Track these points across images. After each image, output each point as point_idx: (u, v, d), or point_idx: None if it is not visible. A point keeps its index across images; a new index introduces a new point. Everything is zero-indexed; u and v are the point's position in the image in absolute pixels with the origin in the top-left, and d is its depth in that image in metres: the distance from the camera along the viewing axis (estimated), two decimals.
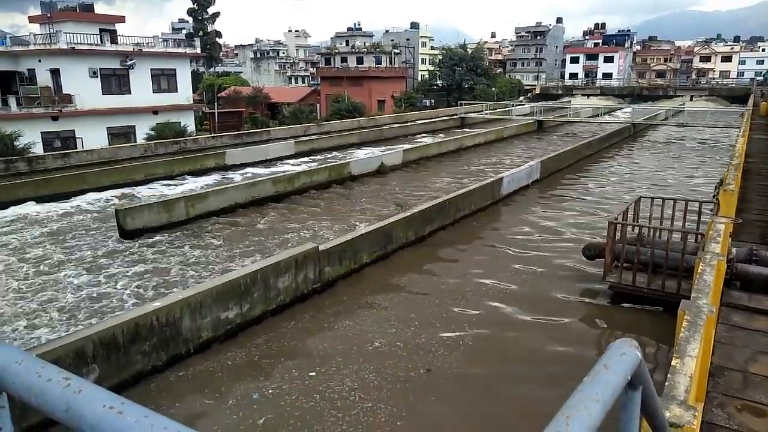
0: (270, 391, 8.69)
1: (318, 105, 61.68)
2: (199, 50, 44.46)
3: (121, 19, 39.33)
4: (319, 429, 7.80)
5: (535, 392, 8.61)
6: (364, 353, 9.80)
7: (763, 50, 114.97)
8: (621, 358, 0.97)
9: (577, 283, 12.96)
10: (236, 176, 27.39)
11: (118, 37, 37.17)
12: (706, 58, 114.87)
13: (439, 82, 73.13)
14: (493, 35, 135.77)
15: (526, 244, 16.19)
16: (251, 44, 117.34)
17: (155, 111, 36.99)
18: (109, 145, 32.94)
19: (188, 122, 39.32)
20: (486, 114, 50.66)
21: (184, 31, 72.57)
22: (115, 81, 35.94)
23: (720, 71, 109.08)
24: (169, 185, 25.44)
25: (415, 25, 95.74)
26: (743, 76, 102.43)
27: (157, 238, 16.81)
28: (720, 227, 7.80)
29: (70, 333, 9.24)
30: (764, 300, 8.60)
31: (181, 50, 40.79)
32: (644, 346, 10.29)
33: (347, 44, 74.66)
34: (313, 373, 9.13)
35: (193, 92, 44.92)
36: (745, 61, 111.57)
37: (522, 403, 8.48)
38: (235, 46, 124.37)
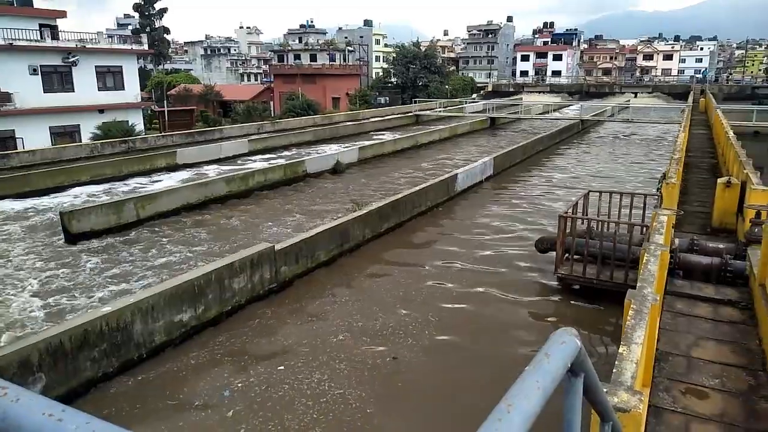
0: (239, 385, 8.73)
1: (272, 103, 60.90)
2: (146, 47, 43.16)
3: (63, 14, 37.73)
4: (290, 417, 7.95)
5: (488, 375, 8.96)
6: (330, 345, 9.98)
7: (702, 49, 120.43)
8: (561, 347, 1.00)
9: (530, 275, 13.29)
10: (188, 176, 26.77)
11: (60, 33, 35.66)
12: (649, 57, 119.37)
13: (393, 79, 73.38)
14: (445, 33, 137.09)
15: (481, 239, 16.47)
16: (201, 41, 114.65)
17: (101, 110, 35.74)
18: (53, 145, 31.63)
19: (137, 121, 38.15)
20: (440, 111, 51.19)
21: (130, 27, 70.42)
22: (57, 78, 34.49)
23: (662, 69, 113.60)
24: (117, 186, 24.62)
25: (368, 23, 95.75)
26: (684, 74, 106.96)
27: (104, 241, 16.27)
28: (663, 219, 8.12)
29: (13, 342, 8.84)
30: (705, 287, 9.03)
31: (127, 47, 39.50)
32: (594, 335, 10.64)
33: (300, 41, 74.02)
34: (282, 367, 9.21)
35: (142, 90, 43.60)
36: (685, 59, 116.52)
37: (478, 385, 8.72)
38: (185, 42, 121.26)
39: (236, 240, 16.25)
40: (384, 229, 16.50)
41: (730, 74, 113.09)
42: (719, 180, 12.28)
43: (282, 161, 27.44)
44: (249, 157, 32.37)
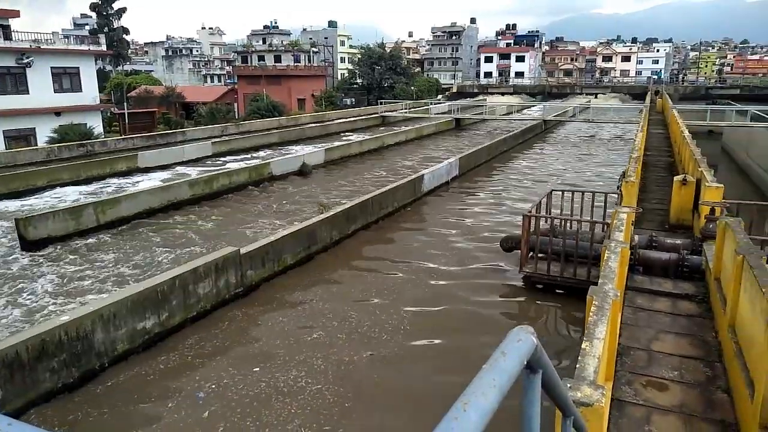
0: (212, 387, 8.71)
1: (236, 104, 60.12)
2: (104, 47, 42.06)
3: (16, 13, 36.42)
4: (267, 413, 8.03)
5: (458, 370, 9.02)
6: (306, 344, 10.05)
7: (658, 51, 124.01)
8: (517, 345, 1.02)
9: (496, 274, 13.46)
10: (150, 179, 26.20)
11: (13, 33, 34.44)
12: (608, 58, 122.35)
13: (359, 80, 73.35)
14: (410, 35, 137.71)
15: (448, 238, 16.60)
16: (162, 41, 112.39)
17: (58, 112, 34.65)
18: (6, 149, 30.53)
19: (95, 124, 37.11)
20: (406, 112, 51.39)
21: (87, 27, 68.51)
22: (11, 80, 33.28)
23: (621, 70, 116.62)
24: (76, 190, 23.91)
25: (333, 24, 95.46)
26: (641, 75, 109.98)
27: (63, 247, 15.78)
28: (623, 216, 8.32)
29: None
30: (663, 282, 9.30)
31: (84, 47, 38.40)
32: (559, 331, 10.85)
33: (264, 42, 73.12)
34: (257, 368, 9.24)
35: (100, 92, 42.41)
36: (642, 61, 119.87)
37: (450, 381, 8.77)
38: (145, 43, 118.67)
39: (201, 244, 15.98)
40: (352, 230, 16.47)
41: (685, 75, 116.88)
42: (675, 178, 12.67)
43: (247, 163, 27.12)
44: (213, 160, 31.88)
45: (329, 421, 7.96)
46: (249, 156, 33.45)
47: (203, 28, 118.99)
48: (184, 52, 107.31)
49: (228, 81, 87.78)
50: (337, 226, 15.72)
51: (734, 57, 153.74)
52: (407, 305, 11.77)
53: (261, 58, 67.17)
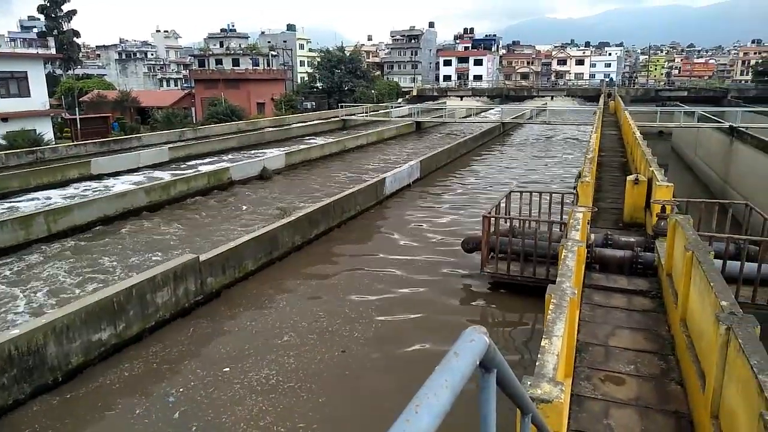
0: (181, 390, 8.69)
1: (193, 109, 58.97)
2: (54, 51, 40.67)
3: None
4: (240, 410, 8.13)
5: (424, 367, 9.10)
6: (276, 345, 10.13)
7: (610, 54, 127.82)
8: (470, 345, 1.03)
9: (458, 275, 13.61)
10: (104, 186, 25.44)
11: None
12: (562, 62, 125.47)
13: (319, 84, 73.00)
14: (369, 38, 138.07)
15: (410, 240, 16.69)
16: (115, 45, 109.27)
17: (5, 118, 33.27)
18: None
19: (45, 130, 35.82)
20: (367, 116, 51.43)
21: (35, 30, 66.05)
22: None
23: (575, 73, 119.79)
24: (25, 199, 23.01)
25: (291, 27, 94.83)
26: (595, 77, 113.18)
27: (11, 259, 15.15)
28: (579, 216, 8.51)
29: None
30: (619, 279, 9.57)
31: (32, 51, 37.01)
32: (520, 330, 11.03)
33: (222, 46, 72.06)
34: (227, 369, 9.28)
35: (51, 97, 40.98)
36: (595, 64, 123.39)
37: (419, 376, 8.86)
38: (97, 46, 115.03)
39: (158, 252, 15.60)
40: (314, 234, 16.37)
41: (636, 78, 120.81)
42: (628, 178, 13.07)
43: (205, 168, 26.64)
44: (170, 166, 31.19)
45: (303, 417, 8.10)
46: (208, 161, 32.86)
47: (158, 31, 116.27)
48: (138, 55, 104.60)
49: (185, 85, 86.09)
50: (300, 230, 15.60)
51: (681, 60, 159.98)
52: (375, 305, 11.92)
53: (219, 62, 66.15)
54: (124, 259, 15.16)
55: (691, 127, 33.93)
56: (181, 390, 8.72)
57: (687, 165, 35.09)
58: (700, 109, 34.91)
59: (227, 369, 9.30)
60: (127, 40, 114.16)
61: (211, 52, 68.58)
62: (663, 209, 10.44)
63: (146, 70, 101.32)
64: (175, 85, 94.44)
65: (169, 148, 33.55)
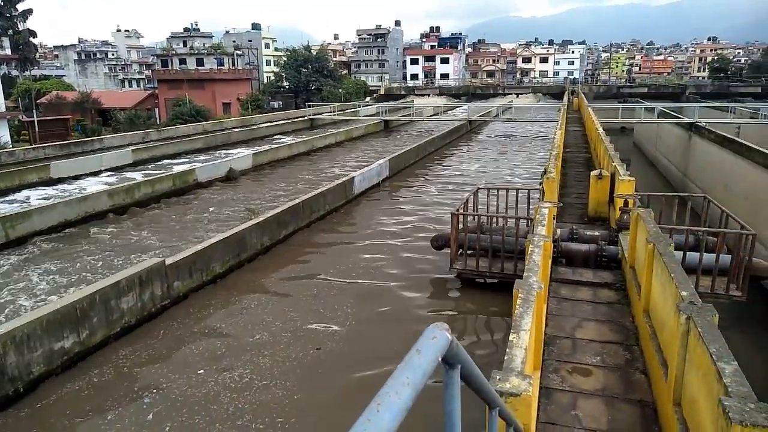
0: (154, 391, 8.64)
1: (157, 110, 57.86)
2: (9, 51, 39.38)
3: None
4: (216, 409, 8.14)
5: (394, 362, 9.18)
6: (250, 345, 10.12)
7: (573, 52, 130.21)
8: (432, 342, 1.04)
9: (428, 272, 13.69)
10: (65, 190, 24.74)
11: None
12: (527, 60, 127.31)
13: (285, 83, 72.45)
14: (336, 37, 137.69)
15: (380, 238, 16.70)
16: (74, 45, 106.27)
17: None
18: None
19: (1, 133, 34.70)
20: (335, 115, 51.25)
21: None
22: None
23: (539, 71, 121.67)
24: None
25: (256, 26, 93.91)
26: (559, 75, 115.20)
27: None
28: (545, 211, 8.65)
29: None
30: (585, 272, 9.77)
31: None
32: (490, 325, 11.15)
33: (185, 45, 70.82)
34: (201, 371, 9.22)
35: (6, 99, 39.66)
36: (559, 62, 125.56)
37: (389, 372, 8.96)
38: (55, 46, 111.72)
39: (123, 257, 15.25)
40: (283, 235, 16.24)
41: (598, 75, 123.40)
42: (592, 173, 13.35)
43: (171, 170, 26.15)
44: (134, 168, 30.52)
45: (279, 412, 8.14)
46: (173, 163, 32.27)
47: (119, 30, 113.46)
48: (98, 55, 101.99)
49: (148, 85, 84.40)
50: (268, 231, 15.45)
51: (641, 58, 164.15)
52: (347, 303, 11.96)
53: (182, 62, 65.05)
54: (86, 264, 14.77)
55: (652, 123, 34.83)
56: (154, 392, 8.65)
57: (648, 160, 36.02)
58: (660, 105, 35.88)
59: (201, 371, 9.24)
60: (86, 40, 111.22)
61: (174, 52, 67.37)
62: (626, 203, 10.69)
63: (107, 71, 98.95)
64: (138, 86, 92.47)
65: (132, 149, 32.82)
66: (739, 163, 18.15)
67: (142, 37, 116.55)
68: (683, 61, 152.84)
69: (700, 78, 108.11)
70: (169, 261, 11.68)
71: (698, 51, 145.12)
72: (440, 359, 1.05)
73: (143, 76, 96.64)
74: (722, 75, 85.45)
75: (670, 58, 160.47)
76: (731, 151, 19.40)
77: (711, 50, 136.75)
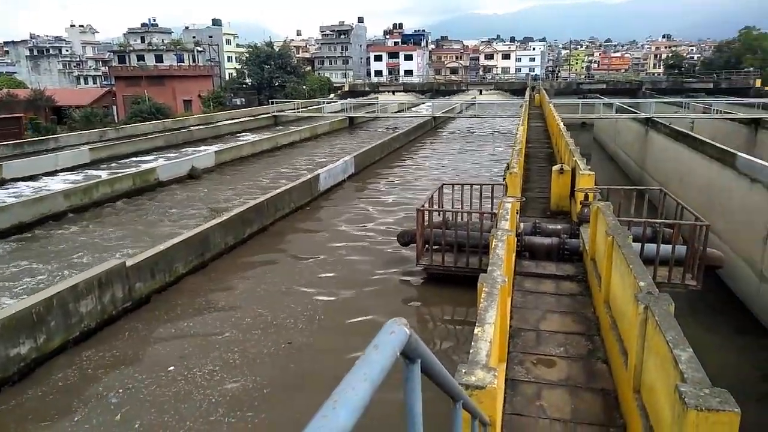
0: (121, 391, 8.55)
1: (114, 107, 56.33)
2: None
3: None
4: (187, 407, 8.11)
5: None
6: (219, 342, 10.09)
7: (534, 49, 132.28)
8: (390, 337, 1.03)
9: (395, 268, 13.74)
10: (18, 191, 23.86)
11: None
12: (489, 56, 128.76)
13: (248, 80, 71.48)
14: (299, 33, 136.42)
15: (346, 235, 16.67)
16: (25, 40, 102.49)
17: None
18: None
19: None
20: (299, 112, 50.86)
21: None
22: None
23: (502, 67, 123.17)
24: None
25: (217, 22, 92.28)
26: (520, 71, 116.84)
27: None
28: (508, 206, 8.77)
29: None
30: (548, 265, 9.94)
31: None
32: (456, 319, 11.26)
33: (143, 41, 69.12)
34: (171, 368, 9.18)
35: None
36: (521, 58, 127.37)
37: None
38: (5, 42, 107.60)
39: (82, 259, 14.82)
40: (248, 234, 16.04)
41: (559, 72, 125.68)
42: (554, 168, 13.59)
43: (131, 169, 25.51)
44: (92, 168, 29.65)
45: (252, 407, 8.17)
46: (133, 162, 31.49)
47: (73, 25, 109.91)
48: (51, 51, 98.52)
49: (105, 83, 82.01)
50: (232, 230, 15.23)
51: (600, 55, 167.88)
52: (316, 299, 12.05)
53: (141, 58, 63.49)
54: (43, 268, 14.28)
55: (611, 118, 35.69)
56: (121, 392, 8.54)
57: (608, 154, 36.92)
58: (618, 101, 36.80)
59: (171, 368, 9.19)
60: (38, 36, 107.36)
61: (131, 48, 65.70)
62: (586, 197, 10.92)
63: (61, 67, 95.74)
64: (94, 83, 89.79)
65: (89, 149, 31.88)
66: (693, 157, 18.77)
67: (98, 32, 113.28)
68: (639, 58, 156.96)
69: (656, 74, 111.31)
70: (129, 262, 11.40)
71: (653, 48, 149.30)
72: (399, 354, 1.04)
73: (100, 73, 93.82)
74: (676, 71, 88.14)
75: (627, 55, 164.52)
76: (685, 145, 20.05)
77: (665, 47, 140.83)
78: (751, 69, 67.57)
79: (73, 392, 8.63)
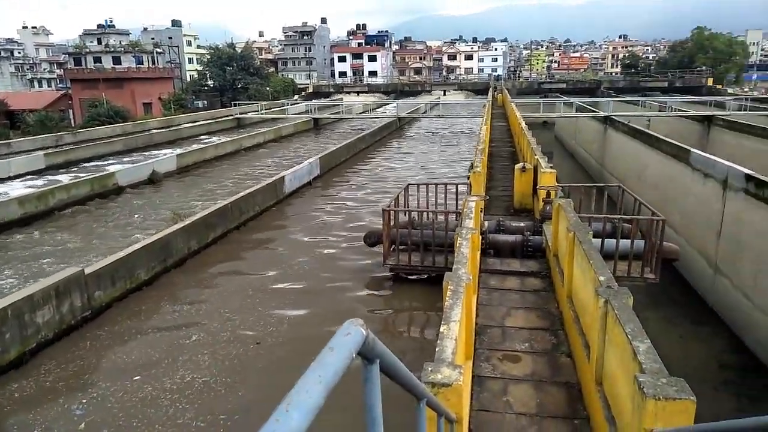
0: (85, 401, 8.36)
1: (71, 111, 54.67)
2: None
3: None
4: (155, 412, 8.02)
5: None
6: (188, 347, 10.00)
7: (496, 50, 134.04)
8: (346, 339, 1.03)
9: (362, 269, 13.73)
10: None
11: None
12: (453, 57, 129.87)
13: (210, 82, 70.36)
14: (261, 34, 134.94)
15: (312, 237, 16.58)
16: None
17: None
18: None
19: None
20: (263, 113, 50.32)
21: None
22: None
23: (465, 68, 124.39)
24: None
25: (177, 23, 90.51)
26: (483, 72, 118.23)
27: None
28: (472, 205, 8.86)
29: None
30: (512, 262, 10.09)
31: None
32: (424, 318, 11.32)
33: (100, 43, 67.28)
34: (138, 377, 9.03)
35: None
36: (483, 59, 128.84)
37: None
38: None
39: (37, 268, 14.34)
40: (212, 238, 15.79)
41: (520, 72, 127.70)
42: (516, 166, 13.80)
43: (88, 174, 24.80)
44: (48, 173, 28.71)
45: (223, 409, 8.11)
46: (91, 166, 30.61)
47: (25, 27, 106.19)
48: (3, 54, 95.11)
49: (60, 86, 79.57)
50: (195, 235, 14.97)
51: (560, 55, 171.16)
52: (284, 301, 12.00)
53: (97, 60, 61.81)
54: None
55: (571, 117, 36.43)
56: (84, 402, 8.34)
57: (569, 152, 37.67)
58: (578, 100, 37.58)
59: (137, 377, 9.03)
60: None
61: (88, 50, 63.92)
62: (548, 194, 11.13)
63: (13, 70, 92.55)
64: (49, 86, 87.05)
65: (44, 154, 30.85)
66: (649, 154, 19.31)
67: (52, 34, 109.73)
68: (598, 58, 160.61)
69: (614, 74, 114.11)
70: (88, 270, 11.08)
71: (611, 48, 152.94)
72: (355, 355, 1.04)
73: (54, 76, 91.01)
74: (633, 71, 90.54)
75: (585, 55, 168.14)
76: (642, 142, 20.61)
77: (622, 47, 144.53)
78: (704, 68, 70.01)
79: (32, 404, 8.36)
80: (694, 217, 14.23)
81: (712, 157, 14.31)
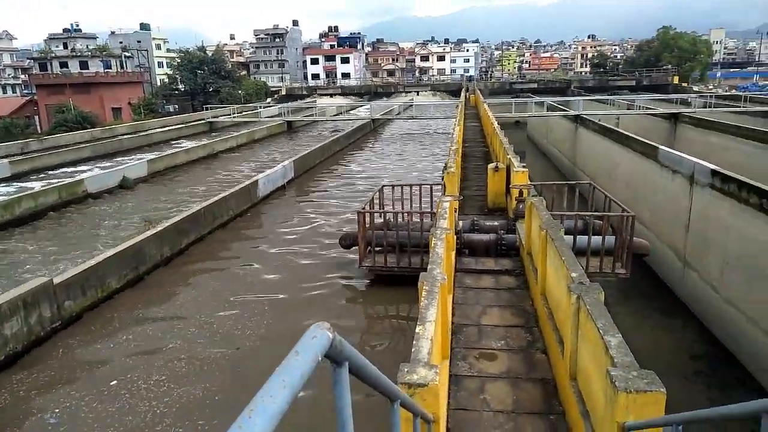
0: (58, 411, 8.22)
1: (37, 117, 53.44)
2: None
3: None
4: (132, 419, 7.93)
5: None
6: (164, 353, 9.90)
7: (468, 50, 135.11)
8: (312, 342, 1.03)
9: (338, 271, 13.70)
10: None
11: None
12: (425, 58, 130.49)
13: (181, 86, 69.44)
14: (232, 37, 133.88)
15: (288, 240, 16.49)
16: None
17: None
18: None
19: None
20: (235, 117, 49.84)
21: None
22: None
23: (437, 69, 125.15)
24: None
25: (145, 27, 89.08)
26: (455, 72, 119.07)
27: None
28: (446, 205, 8.92)
29: None
30: (487, 261, 10.17)
31: None
32: (402, 319, 11.34)
33: (66, 47, 65.87)
34: (114, 382, 8.93)
35: None
36: (455, 60, 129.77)
37: None
38: None
39: (6, 279, 13.96)
40: (185, 244, 15.58)
41: (492, 72, 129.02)
42: (489, 166, 13.92)
43: (56, 181, 24.25)
44: (13, 181, 27.98)
45: (201, 414, 8.06)
46: (58, 173, 29.92)
47: None
48: None
49: (25, 91, 77.68)
50: (168, 241, 14.75)
51: (530, 55, 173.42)
52: (261, 306, 11.89)
53: (64, 65, 60.50)
54: None
55: (542, 116, 36.92)
56: (58, 412, 8.19)
57: (541, 151, 38.17)
58: (549, 100, 38.11)
59: (113, 383, 8.92)
60: None
61: (53, 55, 62.54)
62: (521, 193, 11.26)
63: None
64: (13, 92, 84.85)
65: (9, 161, 30.03)
66: (619, 151, 19.68)
67: (16, 38, 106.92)
68: (567, 58, 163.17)
69: (583, 73, 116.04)
70: (57, 280, 10.83)
71: (580, 48, 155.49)
72: (321, 358, 1.04)
73: (19, 82, 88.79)
74: (602, 70, 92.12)
75: (555, 55, 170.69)
76: (612, 140, 20.99)
77: (591, 47, 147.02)
78: (669, 66, 71.60)
79: (5, 416, 8.20)
80: (664, 212, 14.54)
81: (680, 153, 14.64)
